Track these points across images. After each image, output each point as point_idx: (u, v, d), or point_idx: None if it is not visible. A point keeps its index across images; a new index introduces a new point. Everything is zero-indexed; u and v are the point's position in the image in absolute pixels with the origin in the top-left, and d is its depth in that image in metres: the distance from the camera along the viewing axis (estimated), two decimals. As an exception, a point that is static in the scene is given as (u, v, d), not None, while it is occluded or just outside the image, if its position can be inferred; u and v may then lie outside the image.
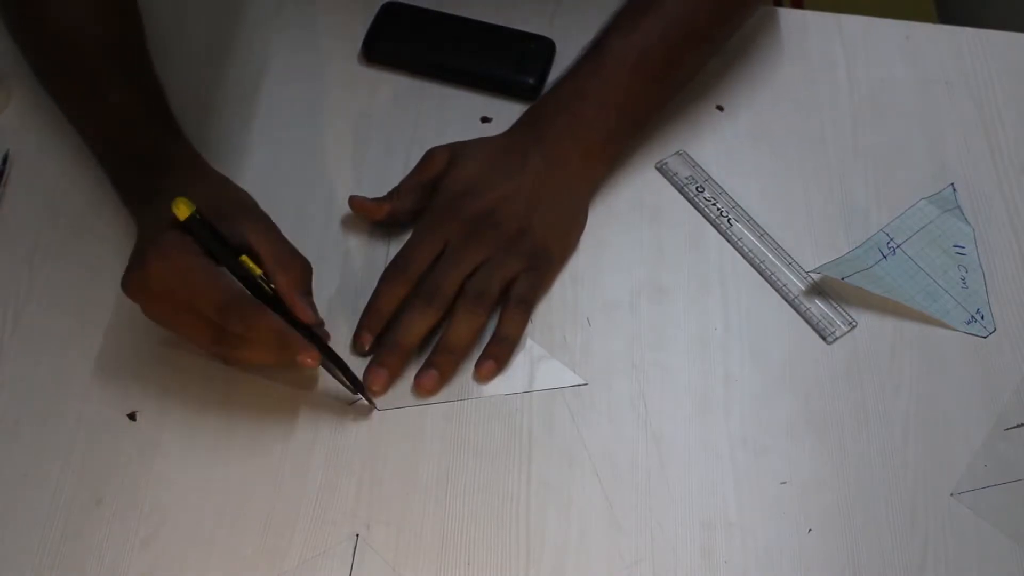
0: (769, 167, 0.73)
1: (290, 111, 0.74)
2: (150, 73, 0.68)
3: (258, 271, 0.56)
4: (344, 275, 0.67)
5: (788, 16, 0.82)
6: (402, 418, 0.62)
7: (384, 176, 0.70)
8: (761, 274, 0.68)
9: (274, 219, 0.60)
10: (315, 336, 0.58)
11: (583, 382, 0.63)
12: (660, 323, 0.66)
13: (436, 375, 0.62)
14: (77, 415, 0.60)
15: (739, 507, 0.59)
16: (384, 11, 0.79)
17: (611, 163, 0.71)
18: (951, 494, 0.60)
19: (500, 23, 0.78)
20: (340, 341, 0.64)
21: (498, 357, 0.63)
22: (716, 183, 0.72)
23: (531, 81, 0.75)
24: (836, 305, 0.67)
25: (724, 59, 0.78)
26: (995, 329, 0.66)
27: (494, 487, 0.59)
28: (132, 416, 0.60)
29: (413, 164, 0.70)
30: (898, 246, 0.69)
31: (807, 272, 0.68)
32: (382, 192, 0.69)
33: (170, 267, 0.55)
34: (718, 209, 0.71)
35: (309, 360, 0.55)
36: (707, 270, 0.68)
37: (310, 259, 0.59)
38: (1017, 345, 0.65)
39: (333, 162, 0.72)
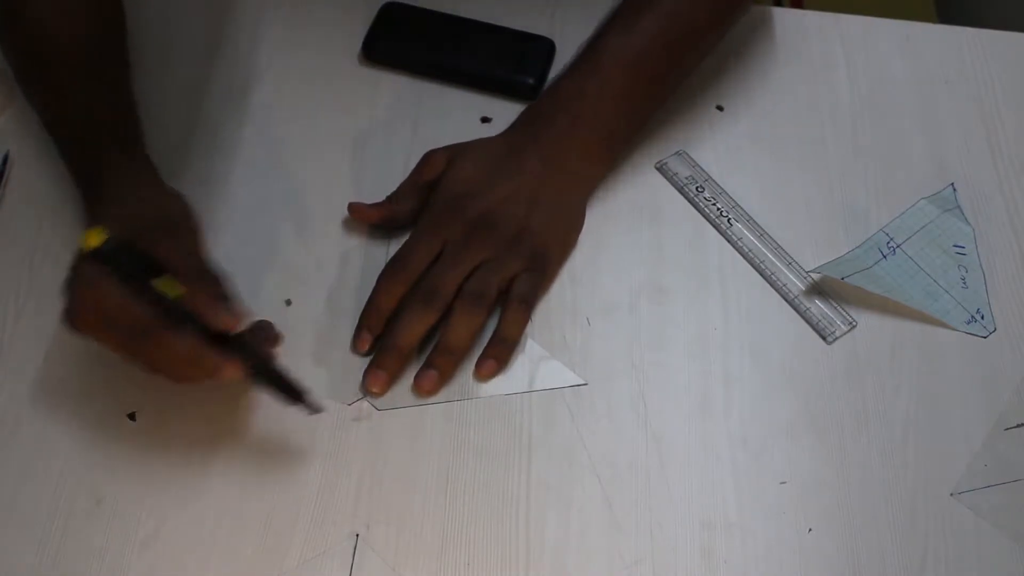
0: (769, 167, 0.73)
1: (290, 111, 0.74)
2: (120, 78, 0.67)
3: (174, 291, 0.55)
4: (344, 275, 0.67)
5: (788, 16, 0.82)
6: (402, 418, 0.62)
7: (384, 176, 0.70)
8: (761, 274, 0.68)
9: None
10: (245, 344, 0.56)
11: (583, 382, 0.63)
12: (660, 323, 0.66)
13: (435, 375, 0.62)
14: (77, 415, 0.60)
15: (739, 507, 0.59)
16: (384, 11, 0.79)
17: (610, 163, 0.71)
18: (951, 494, 0.60)
19: (500, 23, 0.78)
20: (340, 341, 0.64)
21: (499, 357, 0.63)
22: (716, 183, 0.72)
23: (531, 81, 0.75)
24: (836, 305, 0.67)
25: (724, 59, 0.78)
26: (995, 329, 0.66)
27: (494, 487, 0.59)
28: (132, 416, 0.61)
29: (413, 164, 0.70)
30: (898, 246, 0.69)
31: (807, 272, 0.68)
32: (381, 192, 0.69)
33: (85, 300, 0.55)
34: (718, 209, 0.71)
35: (228, 372, 0.54)
36: (707, 270, 0.68)
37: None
38: (1017, 345, 0.65)
39: (333, 162, 0.72)
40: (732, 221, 0.70)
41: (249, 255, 0.67)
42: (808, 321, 0.66)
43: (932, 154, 0.74)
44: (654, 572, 0.57)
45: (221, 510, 0.58)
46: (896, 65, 0.79)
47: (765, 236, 0.69)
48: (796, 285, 0.67)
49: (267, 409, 0.61)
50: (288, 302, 0.65)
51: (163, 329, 0.54)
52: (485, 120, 0.74)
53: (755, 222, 0.70)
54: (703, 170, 0.73)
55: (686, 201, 0.71)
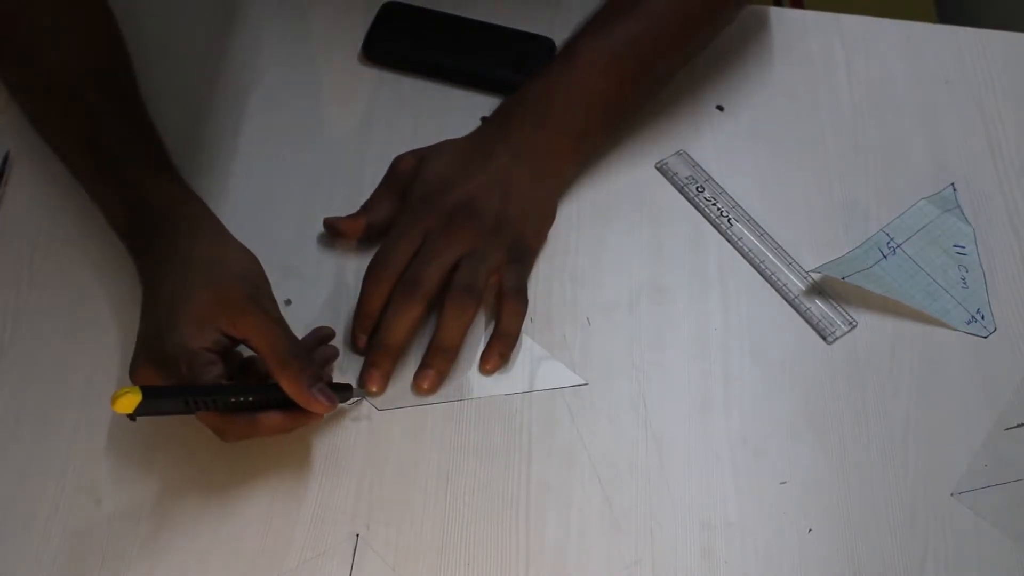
0: (769, 167, 0.73)
1: (290, 111, 0.74)
2: (138, 104, 0.67)
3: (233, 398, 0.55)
4: (344, 275, 0.67)
5: (788, 16, 0.82)
6: (402, 418, 0.62)
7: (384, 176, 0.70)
8: (761, 274, 0.68)
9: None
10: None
11: (583, 382, 0.63)
12: (660, 323, 0.66)
13: (434, 374, 0.62)
14: (77, 415, 0.60)
15: (739, 507, 0.59)
16: (384, 11, 0.79)
17: (580, 162, 0.71)
18: (951, 494, 0.60)
19: (500, 23, 0.78)
20: (340, 341, 0.64)
21: (504, 352, 0.63)
22: (716, 183, 0.72)
23: (531, 81, 0.75)
24: (836, 305, 0.67)
25: (724, 59, 0.78)
26: (995, 329, 0.66)
27: (494, 487, 0.59)
28: (132, 416, 0.60)
29: (413, 164, 0.70)
30: (898, 246, 0.69)
31: (807, 272, 0.68)
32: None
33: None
34: (718, 209, 0.71)
35: (319, 416, 0.57)
36: (707, 270, 0.68)
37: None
38: (1017, 345, 0.65)
39: (333, 162, 0.72)
40: (732, 221, 0.70)
41: (249, 255, 0.67)
42: (808, 321, 0.66)
43: (932, 154, 0.74)
44: (654, 572, 0.57)
45: (221, 510, 0.58)
46: (896, 65, 0.79)
47: (765, 236, 0.69)
48: (796, 285, 0.67)
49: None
50: (288, 302, 0.65)
51: (243, 424, 0.55)
52: (485, 120, 0.74)
53: (755, 222, 0.70)
54: (703, 170, 0.73)
55: (686, 201, 0.71)
